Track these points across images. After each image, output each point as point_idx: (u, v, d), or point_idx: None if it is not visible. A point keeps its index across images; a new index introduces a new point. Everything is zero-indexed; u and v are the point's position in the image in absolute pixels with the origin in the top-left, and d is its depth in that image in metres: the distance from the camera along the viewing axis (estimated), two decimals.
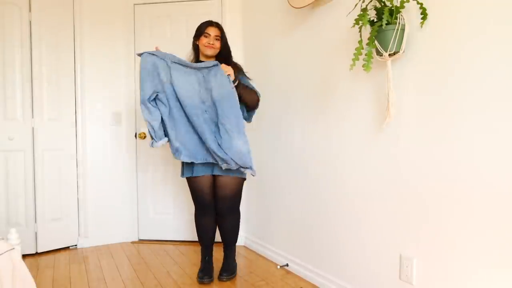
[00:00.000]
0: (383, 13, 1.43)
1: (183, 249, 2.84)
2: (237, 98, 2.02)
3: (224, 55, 2.19)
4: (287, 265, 2.38)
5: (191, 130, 2.08)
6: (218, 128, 2.02)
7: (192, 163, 2.14)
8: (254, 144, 2.74)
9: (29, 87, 2.70)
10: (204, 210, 2.22)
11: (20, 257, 1.34)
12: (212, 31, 2.15)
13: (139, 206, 3.09)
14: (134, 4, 3.00)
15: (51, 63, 2.78)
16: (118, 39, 3.02)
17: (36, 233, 2.74)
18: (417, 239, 1.54)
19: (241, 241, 2.90)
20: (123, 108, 3.04)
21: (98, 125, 2.98)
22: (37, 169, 2.73)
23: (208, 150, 2.05)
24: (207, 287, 2.14)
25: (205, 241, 2.27)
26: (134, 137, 3.05)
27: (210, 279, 2.18)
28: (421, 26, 1.48)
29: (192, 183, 2.19)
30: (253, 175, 2.13)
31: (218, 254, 2.53)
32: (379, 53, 1.53)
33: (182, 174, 2.21)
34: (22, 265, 1.31)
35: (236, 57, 2.32)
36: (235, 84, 2.04)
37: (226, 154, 2.00)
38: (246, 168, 2.06)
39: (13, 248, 1.33)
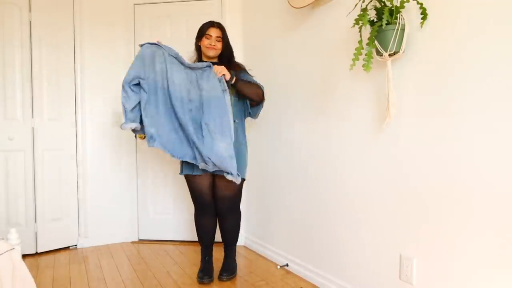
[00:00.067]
0: (383, 13, 1.44)
1: (183, 249, 2.84)
2: (228, 101, 1.97)
3: (226, 56, 2.20)
4: (287, 265, 2.38)
5: (176, 124, 2.03)
6: (202, 128, 1.99)
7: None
8: (254, 144, 2.74)
9: (29, 87, 2.70)
10: (204, 210, 2.22)
11: (20, 257, 1.34)
12: (214, 32, 2.15)
13: (139, 206, 3.09)
14: (134, 4, 3.00)
15: (51, 63, 2.78)
16: (118, 39, 3.02)
17: (36, 233, 2.74)
18: (417, 239, 1.54)
19: (241, 241, 2.90)
20: None
21: (98, 125, 2.98)
22: (37, 169, 2.73)
23: (192, 147, 2.02)
24: (207, 287, 2.14)
25: (205, 241, 2.27)
26: (134, 138, 3.05)
27: (210, 279, 2.18)
28: (421, 26, 1.48)
29: (191, 183, 2.19)
30: (236, 182, 1.99)
31: (218, 254, 2.53)
32: (379, 53, 1.53)
33: (181, 171, 2.20)
34: (22, 265, 1.31)
35: (236, 57, 2.32)
36: (233, 81, 2.03)
37: (207, 153, 1.96)
38: (227, 173, 1.98)
39: (13, 248, 1.33)
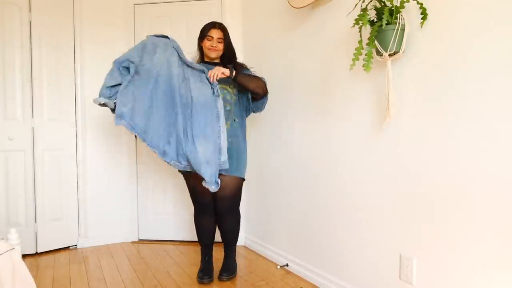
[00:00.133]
0: (383, 13, 1.44)
1: (183, 249, 2.84)
2: (219, 107, 1.96)
3: (228, 56, 2.20)
4: (287, 265, 2.38)
5: (162, 113, 2.00)
6: (187, 126, 1.97)
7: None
8: (254, 144, 2.75)
9: (29, 87, 2.70)
10: (203, 210, 2.22)
11: (20, 257, 1.34)
12: (215, 33, 2.15)
13: (139, 206, 3.09)
14: (134, 4, 3.00)
15: (51, 63, 2.78)
16: (118, 39, 3.02)
17: (36, 233, 2.74)
18: (417, 239, 1.54)
19: (241, 241, 2.90)
20: None
21: (98, 125, 2.98)
22: (37, 169, 2.73)
23: (170, 142, 1.99)
24: (207, 287, 2.14)
25: (204, 241, 2.27)
26: (134, 137, 3.05)
27: (210, 279, 2.18)
28: (421, 26, 1.48)
29: (190, 181, 2.18)
30: (209, 189, 1.94)
31: (218, 254, 2.53)
32: (379, 53, 1.53)
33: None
34: (22, 265, 1.31)
35: (237, 57, 2.32)
36: (233, 76, 2.01)
37: (185, 150, 1.95)
38: (202, 178, 1.93)
39: (13, 248, 1.33)
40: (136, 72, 2.02)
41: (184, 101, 1.98)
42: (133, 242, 3.06)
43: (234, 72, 2.02)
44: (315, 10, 2.10)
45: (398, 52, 1.50)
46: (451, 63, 1.39)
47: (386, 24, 1.44)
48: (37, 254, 2.75)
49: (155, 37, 2.08)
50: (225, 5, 2.88)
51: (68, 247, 2.91)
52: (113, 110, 2.06)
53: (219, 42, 2.16)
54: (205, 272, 2.20)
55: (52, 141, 2.80)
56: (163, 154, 1.98)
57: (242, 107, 2.24)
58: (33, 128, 2.72)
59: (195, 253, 2.71)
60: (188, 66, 2.02)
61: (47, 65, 2.76)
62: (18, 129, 2.68)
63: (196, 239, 2.80)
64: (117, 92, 2.02)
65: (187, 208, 2.98)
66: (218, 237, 2.35)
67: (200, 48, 2.23)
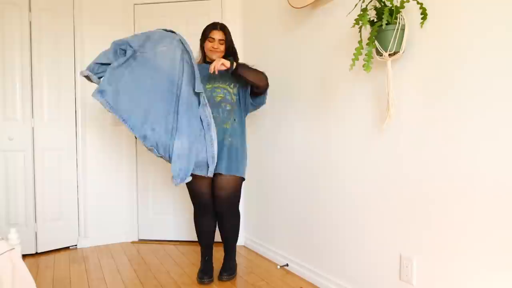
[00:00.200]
0: (383, 13, 1.43)
1: (183, 249, 2.84)
2: (207, 114, 2.00)
3: (229, 57, 2.20)
4: (287, 265, 2.38)
5: (152, 99, 2.01)
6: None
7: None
8: (254, 144, 2.75)
9: (29, 87, 2.70)
10: (203, 210, 2.22)
11: (20, 257, 1.34)
12: (217, 35, 2.15)
13: (139, 206, 3.09)
14: (134, 4, 3.00)
15: (51, 63, 2.78)
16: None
17: (36, 233, 2.74)
18: (417, 239, 1.54)
19: (241, 241, 2.90)
20: None
21: (98, 125, 2.98)
22: (37, 169, 2.73)
23: (154, 129, 2.00)
24: (207, 287, 2.14)
25: (204, 241, 2.26)
26: (134, 137, 3.05)
27: (210, 279, 2.18)
28: (421, 26, 1.48)
29: (189, 183, 2.18)
30: (174, 183, 1.98)
31: (218, 254, 2.53)
32: (379, 53, 1.53)
33: None
34: (22, 265, 1.31)
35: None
36: (234, 67, 2.00)
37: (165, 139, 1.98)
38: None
39: (13, 248, 1.33)
40: (134, 57, 2.02)
41: (179, 96, 2.01)
42: (133, 242, 3.06)
43: (234, 64, 2.00)
44: (315, 10, 2.10)
45: (398, 52, 1.50)
46: (451, 63, 1.39)
47: (386, 24, 1.44)
48: (37, 254, 2.75)
49: (163, 30, 2.09)
50: (225, 5, 2.88)
51: (68, 247, 2.91)
52: (86, 77, 2.07)
53: (221, 44, 2.16)
54: (205, 272, 2.20)
55: (52, 141, 2.80)
56: (144, 138, 1.99)
57: (242, 107, 2.24)
58: (33, 128, 2.72)
59: (195, 253, 2.71)
60: (189, 64, 2.03)
61: (47, 65, 2.76)
62: (18, 129, 2.68)
63: (196, 239, 2.80)
64: (104, 71, 2.03)
65: (187, 208, 2.98)
66: (218, 237, 2.35)
67: (202, 49, 2.23)
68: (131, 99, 1.99)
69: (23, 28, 2.67)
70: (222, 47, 2.17)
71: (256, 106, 2.28)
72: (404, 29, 1.48)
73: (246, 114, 2.30)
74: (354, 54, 1.50)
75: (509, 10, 1.22)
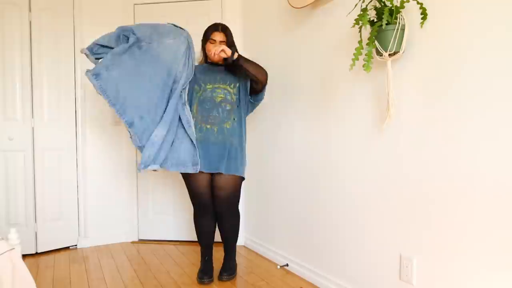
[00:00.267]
0: (383, 13, 1.43)
1: (183, 249, 2.84)
2: (186, 113, 2.06)
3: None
4: (287, 265, 2.38)
5: (149, 91, 2.04)
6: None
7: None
8: (254, 143, 2.75)
9: (29, 87, 2.70)
10: (202, 211, 2.22)
11: (20, 257, 1.34)
12: (218, 37, 2.15)
13: (139, 206, 3.09)
14: (134, 4, 3.00)
15: (51, 63, 2.78)
16: None
17: (36, 233, 2.74)
18: (417, 239, 1.54)
19: (241, 241, 2.90)
20: None
21: (98, 125, 2.98)
22: (37, 169, 2.73)
23: (146, 117, 2.04)
24: (207, 287, 2.14)
25: (204, 241, 2.26)
26: None
27: (210, 279, 2.18)
28: (421, 26, 1.48)
29: (189, 181, 2.18)
30: (138, 168, 2.05)
31: (218, 254, 2.53)
32: (379, 53, 1.53)
33: None
34: (22, 265, 1.31)
35: None
36: (236, 57, 2.00)
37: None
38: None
39: (13, 248, 1.33)
40: (139, 47, 2.04)
41: (174, 89, 2.05)
42: (133, 242, 3.06)
43: (236, 54, 2.00)
44: (315, 10, 2.10)
45: (398, 52, 1.50)
46: (451, 63, 1.39)
47: (386, 24, 1.44)
48: (37, 254, 2.75)
49: (173, 25, 2.11)
50: (225, 5, 2.88)
51: (68, 247, 2.91)
52: (87, 56, 2.09)
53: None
54: (205, 272, 2.20)
55: (52, 141, 2.80)
56: (130, 124, 2.01)
57: (242, 106, 2.24)
58: (33, 128, 2.72)
59: (195, 253, 2.71)
60: (189, 62, 2.07)
61: (47, 65, 2.76)
62: (18, 129, 2.68)
63: (196, 239, 2.80)
64: (103, 53, 2.05)
65: (187, 208, 2.98)
66: (218, 237, 2.35)
67: (204, 50, 2.24)
68: (126, 87, 2.01)
69: (23, 28, 2.67)
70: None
71: (255, 104, 2.28)
72: (404, 29, 1.48)
73: (247, 114, 2.30)
74: (354, 54, 1.50)
75: (509, 10, 1.22)
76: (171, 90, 2.05)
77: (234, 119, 2.17)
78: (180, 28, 2.13)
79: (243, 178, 2.22)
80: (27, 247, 2.70)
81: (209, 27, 2.20)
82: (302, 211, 2.26)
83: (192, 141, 2.09)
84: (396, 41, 1.47)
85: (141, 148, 2.06)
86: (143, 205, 3.08)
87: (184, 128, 2.09)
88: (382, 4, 1.49)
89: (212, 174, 2.16)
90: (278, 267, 2.42)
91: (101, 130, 2.99)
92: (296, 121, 2.29)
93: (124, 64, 2.00)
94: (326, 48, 2.03)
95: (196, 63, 2.26)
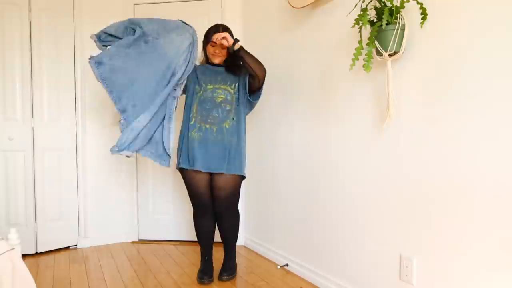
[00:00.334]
0: (383, 13, 1.44)
1: (183, 249, 2.84)
2: (172, 107, 2.10)
3: (231, 59, 2.20)
4: (287, 265, 2.38)
5: (148, 83, 2.07)
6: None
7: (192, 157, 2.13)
8: (254, 143, 2.75)
9: (29, 87, 2.70)
10: (202, 211, 2.22)
11: (20, 257, 1.34)
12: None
13: (139, 206, 3.09)
14: (134, 4, 3.00)
15: (51, 63, 2.78)
16: None
17: (36, 233, 2.74)
18: (417, 239, 1.54)
19: (241, 241, 2.90)
20: None
21: (98, 125, 2.98)
22: (37, 169, 2.73)
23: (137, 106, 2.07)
24: (207, 287, 2.14)
25: (204, 241, 2.26)
26: None
27: (210, 279, 2.18)
28: (421, 26, 1.48)
29: (188, 180, 2.17)
30: (111, 150, 2.08)
31: (218, 254, 2.53)
32: (379, 53, 1.53)
33: (178, 165, 2.18)
34: (22, 265, 1.31)
35: None
36: (235, 48, 2.00)
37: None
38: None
39: (13, 248, 1.33)
40: (145, 41, 2.06)
41: (170, 82, 2.07)
42: (133, 242, 3.06)
43: (238, 44, 1.99)
44: (315, 10, 2.10)
45: (398, 52, 1.50)
46: (451, 63, 1.39)
47: (386, 24, 1.44)
48: (37, 254, 2.75)
49: (181, 22, 2.14)
50: (225, 5, 2.88)
51: (68, 247, 2.91)
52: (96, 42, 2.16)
53: (222, 48, 2.16)
54: (205, 272, 2.20)
55: (52, 141, 2.80)
56: (123, 111, 2.05)
57: (242, 106, 2.24)
58: (33, 128, 2.72)
59: (195, 253, 2.71)
60: (190, 58, 2.09)
61: (47, 65, 2.76)
62: (18, 129, 2.68)
63: (196, 239, 2.80)
64: (110, 41, 2.11)
65: (187, 208, 2.98)
66: (218, 237, 2.35)
67: (205, 51, 2.24)
68: (126, 77, 2.05)
69: (23, 28, 2.67)
70: (224, 52, 2.18)
71: (253, 103, 2.28)
72: (404, 29, 1.48)
73: (246, 113, 2.30)
74: (354, 54, 1.50)
75: (509, 10, 1.22)
76: (168, 83, 2.08)
77: (233, 118, 2.17)
78: (188, 25, 2.14)
79: (243, 177, 2.21)
80: (27, 247, 2.70)
81: (210, 28, 2.20)
82: (302, 211, 2.26)
83: (168, 135, 2.12)
84: (396, 41, 1.47)
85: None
86: (143, 205, 3.08)
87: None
88: (382, 4, 1.49)
89: (211, 174, 2.16)
90: (278, 267, 2.42)
91: (101, 130, 2.99)
92: (296, 121, 2.29)
93: (127, 56, 2.04)
94: (326, 48, 2.03)
95: (197, 63, 2.26)
